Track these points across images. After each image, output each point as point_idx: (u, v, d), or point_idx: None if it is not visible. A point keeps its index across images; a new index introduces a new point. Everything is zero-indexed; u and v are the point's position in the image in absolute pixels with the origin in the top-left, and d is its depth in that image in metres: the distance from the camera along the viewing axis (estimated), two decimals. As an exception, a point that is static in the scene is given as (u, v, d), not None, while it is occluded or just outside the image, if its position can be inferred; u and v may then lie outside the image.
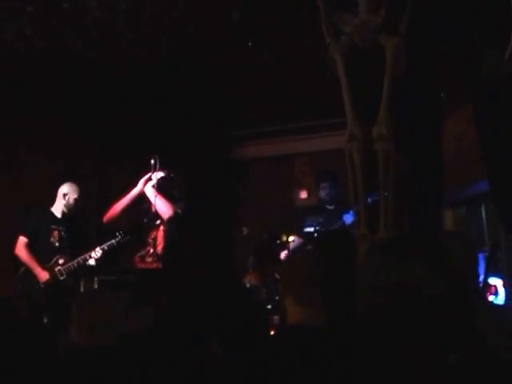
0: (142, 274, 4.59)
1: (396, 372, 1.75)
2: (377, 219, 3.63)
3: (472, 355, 1.81)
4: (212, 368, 2.39)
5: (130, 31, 5.02)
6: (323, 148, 6.90)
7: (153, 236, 4.60)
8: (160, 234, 4.58)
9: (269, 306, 5.29)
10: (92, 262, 4.92)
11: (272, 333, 2.93)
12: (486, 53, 3.51)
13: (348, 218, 5.12)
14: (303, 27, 4.78)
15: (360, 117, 3.73)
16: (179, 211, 4.55)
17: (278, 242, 5.91)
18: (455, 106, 5.10)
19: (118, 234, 4.87)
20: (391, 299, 1.85)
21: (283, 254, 5.60)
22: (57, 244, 5.01)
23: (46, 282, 4.88)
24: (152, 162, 4.58)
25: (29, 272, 4.93)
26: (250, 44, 5.06)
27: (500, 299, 4.80)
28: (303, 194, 7.42)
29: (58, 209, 5.13)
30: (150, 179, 4.65)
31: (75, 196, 5.11)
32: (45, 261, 4.95)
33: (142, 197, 4.68)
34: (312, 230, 5.31)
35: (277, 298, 5.31)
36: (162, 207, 4.53)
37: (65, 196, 5.11)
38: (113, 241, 4.89)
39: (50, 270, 4.92)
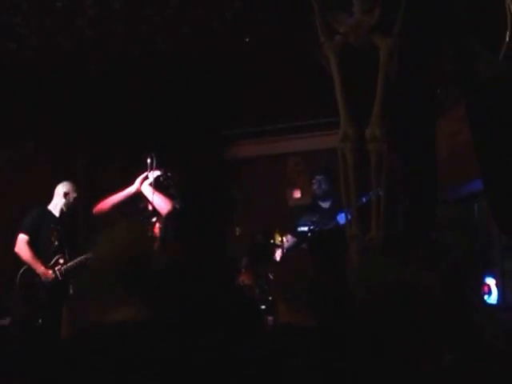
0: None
1: (390, 371, 1.75)
2: (369, 219, 3.64)
3: (467, 356, 1.82)
4: (204, 366, 2.39)
5: (123, 30, 5.01)
6: (316, 147, 6.90)
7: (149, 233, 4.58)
8: (156, 230, 4.56)
9: (262, 307, 5.27)
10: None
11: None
12: (479, 52, 3.52)
13: (342, 218, 5.11)
14: (297, 27, 4.78)
15: (353, 117, 3.74)
16: (177, 206, 4.54)
17: (272, 241, 5.90)
18: (448, 106, 5.11)
19: None
20: (386, 298, 1.85)
21: (278, 254, 5.59)
22: (56, 243, 4.98)
23: (51, 281, 4.86)
24: (149, 160, 4.58)
25: (30, 271, 4.87)
26: (247, 40, 5.05)
27: (493, 299, 4.81)
28: (296, 194, 7.41)
29: (56, 208, 5.11)
30: (146, 178, 4.65)
31: (75, 195, 5.13)
32: (45, 260, 4.91)
33: (138, 196, 4.67)
34: (306, 229, 5.31)
35: (270, 298, 5.30)
36: (161, 203, 4.53)
37: (66, 195, 5.11)
38: None
39: (51, 269, 4.90)
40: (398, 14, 3.59)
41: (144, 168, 4.60)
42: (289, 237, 5.62)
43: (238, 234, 6.87)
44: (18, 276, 4.89)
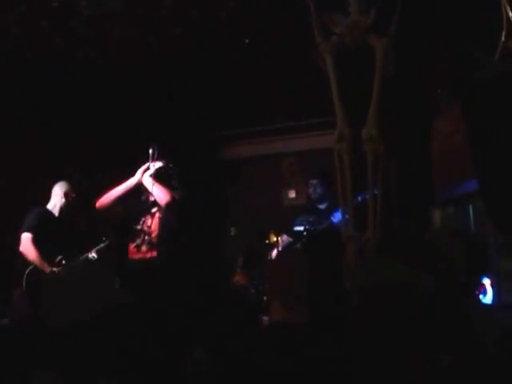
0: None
1: (385, 371, 1.76)
2: (365, 219, 3.65)
3: (464, 357, 1.82)
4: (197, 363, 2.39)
5: (119, 30, 5.00)
6: (311, 147, 6.91)
7: (148, 224, 4.56)
8: (155, 221, 4.55)
9: (257, 306, 5.27)
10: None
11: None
12: (474, 52, 3.53)
13: (336, 217, 5.12)
14: (293, 27, 4.78)
15: (349, 117, 3.74)
16: (177, 197, 4.53)
17: (267, 242, 5.90)
18: (444, 106, 5.12)
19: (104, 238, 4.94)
20: (382, 298, 1.86)
21: (274, 254, 5.59)
22: (57, 243, 4.96)
23: (56, 281, 4.83)
24: (150, 151, 4.57)
25: (37, 270, 4.83)
26: (247, 41, 5.05)
27: (488, 298, 4.81)
28: (292, 194, 7.42)
29: (55, 208, 5.11)
30: (147, 169, 4.63)
31: (74, 195, 5.15)
32: (48, 260, 4.88)
33: (139, 188, 4.65)
34: (302, 228, 5.32)
35: (265, 298, 5.30)
36: (160, 194, 4.51)
37: (66, 195, 5.12)
38: (107, 243, 4.92)
39: (55, 269, 4.87)
40: (394, 15, 3.60)
41: (146, 159, 4.59)
42: (284, 237, 5.62)
43: (233, 234, 6.87)
44: (25, 276, 4.83)
